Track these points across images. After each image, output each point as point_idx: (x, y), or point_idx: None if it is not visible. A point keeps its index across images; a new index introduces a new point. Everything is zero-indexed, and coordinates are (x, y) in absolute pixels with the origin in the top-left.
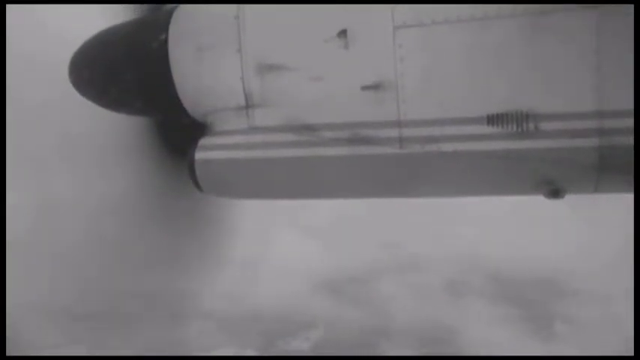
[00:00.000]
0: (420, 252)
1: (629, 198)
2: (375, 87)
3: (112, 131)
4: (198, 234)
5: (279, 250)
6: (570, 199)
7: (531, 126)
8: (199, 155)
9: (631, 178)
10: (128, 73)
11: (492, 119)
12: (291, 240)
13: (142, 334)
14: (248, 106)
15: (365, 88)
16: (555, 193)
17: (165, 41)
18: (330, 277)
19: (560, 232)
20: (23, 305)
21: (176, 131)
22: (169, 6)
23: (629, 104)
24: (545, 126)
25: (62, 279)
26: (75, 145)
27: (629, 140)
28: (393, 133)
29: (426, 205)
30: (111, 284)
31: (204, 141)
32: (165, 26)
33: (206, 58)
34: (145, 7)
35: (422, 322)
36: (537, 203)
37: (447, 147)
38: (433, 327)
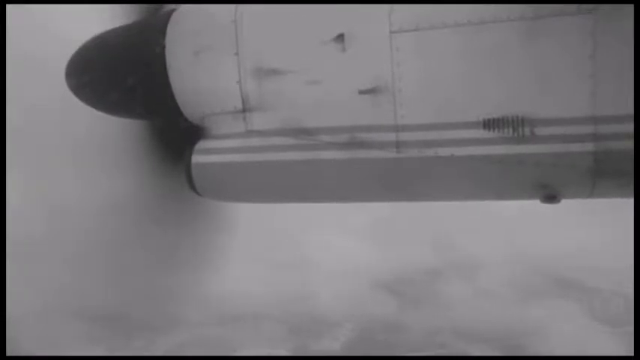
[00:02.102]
0: (472, 252)
1: None
2: (372, 91)
3: (109, 134)
4: (196, 236)
5: (330, 251)
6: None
7: (527, 130)
8: (196, 159)
9: (626, 182)
10: (125, 76)
11: (489, 124)
12: (344, 242)
13: (171, 335)
14: (245, 109)
15: (362, 91)
16: (551, 197)
17: (163, 44)
18: (381, 277)
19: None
20: (37, 306)
21: (173, 134)
22: (167, 8)
23: (625, 109)
24: (541, 131)
25: (75, 281)
26: (72, 149)
27: (625, 145)
28: (390, 137)
29: (475, 207)
30: (122, 287)
31: (201, 144)
32: (162, 29)
33: (203, 61)
34: (142, 8)
35: (472, 321)
36: (590, 202)
37: (444, 151)
38: (492, 327)
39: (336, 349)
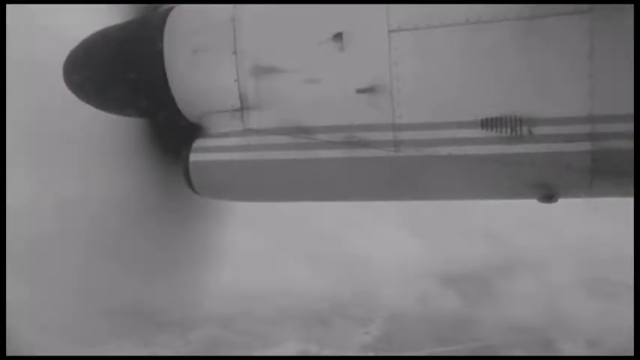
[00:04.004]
0: (524, 246)
1: None
2: (370, 90)
3: (106, 133)
4: (194, 235)
5: (382, 247)
6: None
7: (525, 130)
8: (194, 157)
9: (623, 181)
10: (123, 74)
11: (486, 123)
12: (398, 237)
13: (201, 330)
14: (243, 108)
15: (360, 91)
16: (549, 196)
17: (161, 43)
18: (435, 273)
19: None
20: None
21: (171, 133)
22: (165, 7)
23: (622, 109)
24: (539, 130)
25: (94, 278)
26: (69, 147)
27: (622, 144)
28: (388, 136)
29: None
30: (146, 283)
31: (199, 143)
32: (160, 27)
33: (201, 60)
34: (141, 7)
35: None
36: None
37: (442, 150)
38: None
39: (367, 342)
